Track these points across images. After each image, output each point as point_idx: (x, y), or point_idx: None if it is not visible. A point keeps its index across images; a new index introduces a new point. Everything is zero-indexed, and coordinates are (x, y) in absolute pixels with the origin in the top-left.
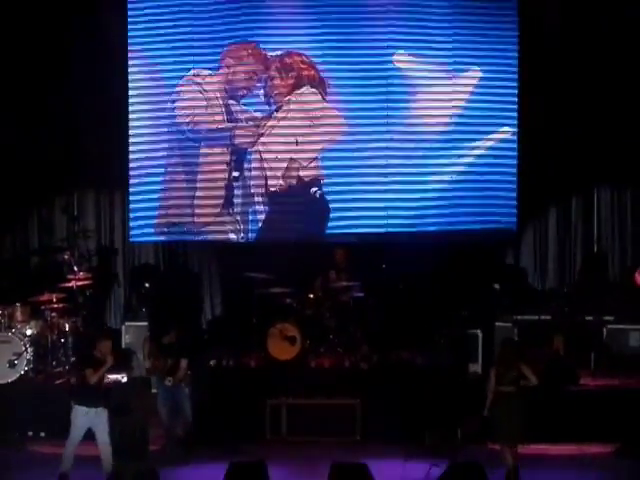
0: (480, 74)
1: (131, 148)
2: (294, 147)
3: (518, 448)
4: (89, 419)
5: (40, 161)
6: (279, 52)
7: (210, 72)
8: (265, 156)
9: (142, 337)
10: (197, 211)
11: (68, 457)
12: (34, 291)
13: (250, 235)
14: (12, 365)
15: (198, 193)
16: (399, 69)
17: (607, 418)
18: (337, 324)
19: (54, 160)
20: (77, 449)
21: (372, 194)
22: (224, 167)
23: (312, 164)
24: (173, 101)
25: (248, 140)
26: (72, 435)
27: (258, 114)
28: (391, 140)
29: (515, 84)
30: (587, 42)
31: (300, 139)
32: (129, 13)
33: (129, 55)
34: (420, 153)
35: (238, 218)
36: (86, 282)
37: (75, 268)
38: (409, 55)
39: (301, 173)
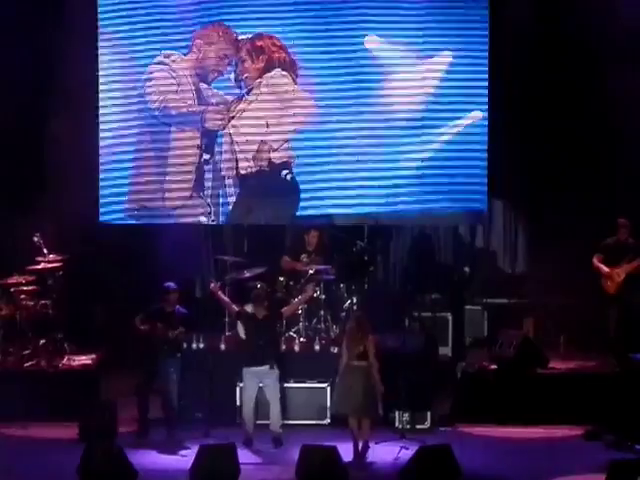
0: (451, 58)
1: (101, 132)
2: (265, 130)
3: (368, 423)
4: (258, 378)
5: (8, 142)
6: (250, 34)
7: (181, 54)
8: (236, 139)
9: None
10: (167, 194)
11: (248, 420)
12: (3, 273)
13: (221, 218)
14: None
15: (168, 176)
16: (370, 52)
17: (576, 401)
18: (307, 307)
19: (22, 142)
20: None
21: (343, 177)
22: (195, 150)
23: (283, 147)
24: (143, 84)
25: (219, 123)
26: (244, 397)
27: (229, 97)
28: (362, 123)
29: (485, 68)
30: (558, 26)
31: (271, 122)
32: None
33: (99, 37)
34: (391, 135)
35: (209, 201)
36: (56, 264)
37: (45, 250)
38: (380, 38)
39: (272, 156)
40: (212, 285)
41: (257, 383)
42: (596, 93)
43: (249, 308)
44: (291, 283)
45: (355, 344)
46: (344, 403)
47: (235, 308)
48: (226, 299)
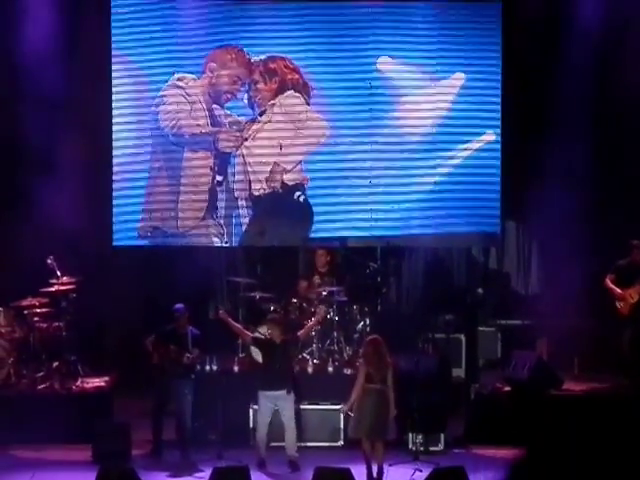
0: (463, 79)
1: (114, 152)
2: (278, 151)
3: (382, 446)
4: (274, 402)
5: (20, 165)
6: (263, 56)
7: (194, 77)
8: (249, 160)
9: None
10: (181, 215)
11: (261, 443)
12: (16, 295)
13: (234, 239)
14: None
15: (182, 197)
16: (383, 74)
17: (589, 423)
18: (320, 329)
19: (34, 164)
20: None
21: (356, 198)
22: (208, 171)
23: (296, 168)
24: (157, 105)
25: (232, 144)
26: (259, 420)
27: (242, 118)
28: (375, 144)
29: (498, 88)
30: (573, 48)
31: (284, 143)
32: (112, 17)
33: (112, 59)
34: (404, 157)
35: (222, 222)
36: (69, 287)
37: (58, 273)
38: (393, 60)
39: (285, 177)
40: (221, 312)
41: (272, 407)
42: (613, 115)
43: (262, 330)
44: (304, 305)
45: (373, 368)
46: (358, 426)
47: (249, 334)
48: (237, 325)
